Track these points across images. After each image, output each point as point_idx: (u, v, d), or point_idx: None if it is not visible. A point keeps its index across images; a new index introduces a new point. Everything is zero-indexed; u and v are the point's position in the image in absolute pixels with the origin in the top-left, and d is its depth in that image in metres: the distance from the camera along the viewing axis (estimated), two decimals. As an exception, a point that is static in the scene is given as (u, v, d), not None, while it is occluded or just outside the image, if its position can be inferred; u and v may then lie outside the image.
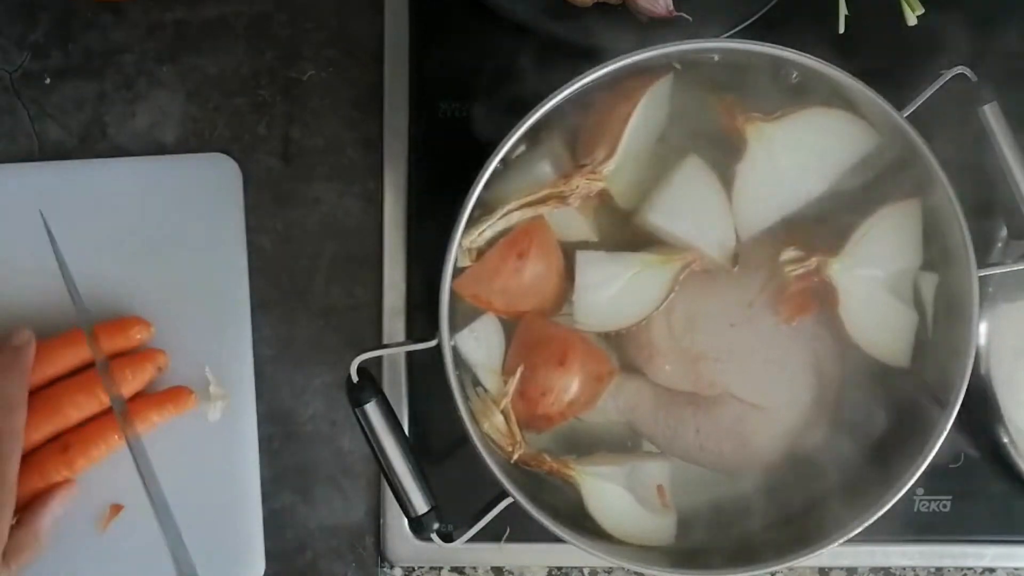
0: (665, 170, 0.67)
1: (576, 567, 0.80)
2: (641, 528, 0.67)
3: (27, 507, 0.72)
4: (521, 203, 0.66)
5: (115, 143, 0.79)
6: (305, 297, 0.79)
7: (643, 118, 0.65)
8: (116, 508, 0.76)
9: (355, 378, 0.63)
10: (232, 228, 0.78)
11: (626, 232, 0.68)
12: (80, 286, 0.76)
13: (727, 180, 0.66)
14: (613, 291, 0.66)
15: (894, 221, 0.66)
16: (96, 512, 0.76)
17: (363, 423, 0.63)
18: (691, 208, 0.66)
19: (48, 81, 0.80)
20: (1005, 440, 0.76)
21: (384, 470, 0.63)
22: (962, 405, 0.63)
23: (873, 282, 0.66)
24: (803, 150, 0.66)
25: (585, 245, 0.67)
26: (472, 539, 0.64)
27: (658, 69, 0.65)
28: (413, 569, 0.80)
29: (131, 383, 0.75)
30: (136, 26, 0.79)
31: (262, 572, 0.78)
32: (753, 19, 0.71)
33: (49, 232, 0.75)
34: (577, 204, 0.66)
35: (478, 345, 0.67)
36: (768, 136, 0.65)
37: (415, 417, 0.78)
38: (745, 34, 0.70)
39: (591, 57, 0.63)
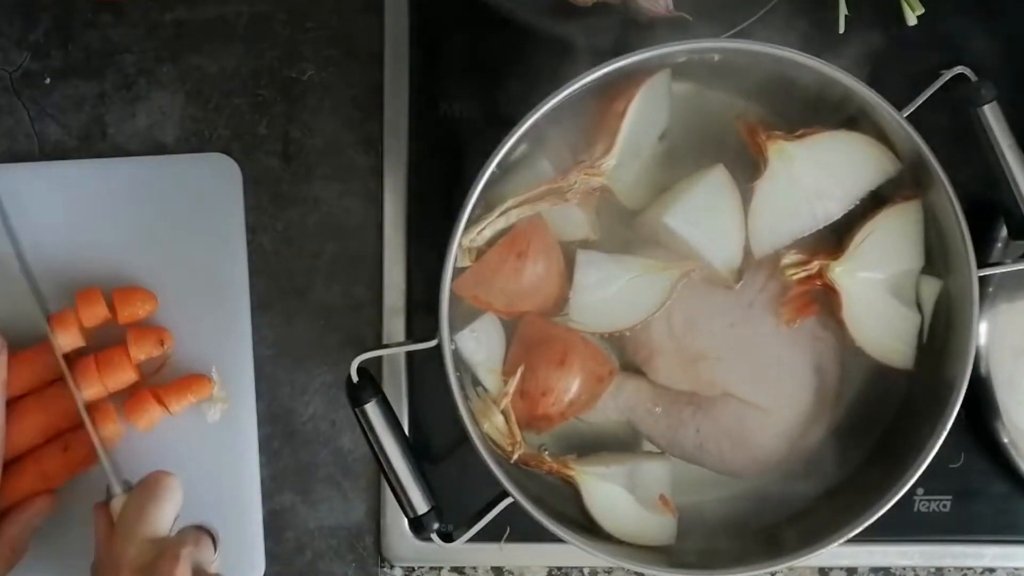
0: (678, 173, 0.67)
1: (576, 567, 0.79)
2: (641, 528, 0.67)
3: (3, 517, 0.71)
4: (520, 200, 0.66)
5: (115, 143, 0.79)
6: (305, 297, 0.79)
7: (641, 113, 0.65)
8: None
9: (355, 378, 0.63)
10: (232, 228, 0.78)
11: (627, 231, 0.68)
12: (79, 285, 0.76)
13: (744, 194, 0.65)
14: (610, 292, 0.66)
15: (895, 223, 0.66)
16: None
17: (363, 423, 0.63)
18: (708, 219, 0.65)
19: (48, 81, 0.80)
20: (1005, 440, 0.75)
21: (384, 470, 0.63)
22: (962, 405, 0.63)
23: (875, 284, 0.66)
24: (825, 172, 0.65)
25: (585, 244, 0.67)
26: (472, 539, 0.64)
27: (657, 69, 0.65)
28: (413, 569, 0.79)
29: (136, 351, 0.75)
30: (136, 26, 0.79)
31: (262, 572, 0.78)
32: (753, 19, 0.71)
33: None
34: (576, 201, 0.66)
35: (478, 345, 0.67)
36: (790, 155, 0.64)
37: (415, 417, 0.78)
38: (745, 34, 0.70)
39: (591, 57, 0.62)
